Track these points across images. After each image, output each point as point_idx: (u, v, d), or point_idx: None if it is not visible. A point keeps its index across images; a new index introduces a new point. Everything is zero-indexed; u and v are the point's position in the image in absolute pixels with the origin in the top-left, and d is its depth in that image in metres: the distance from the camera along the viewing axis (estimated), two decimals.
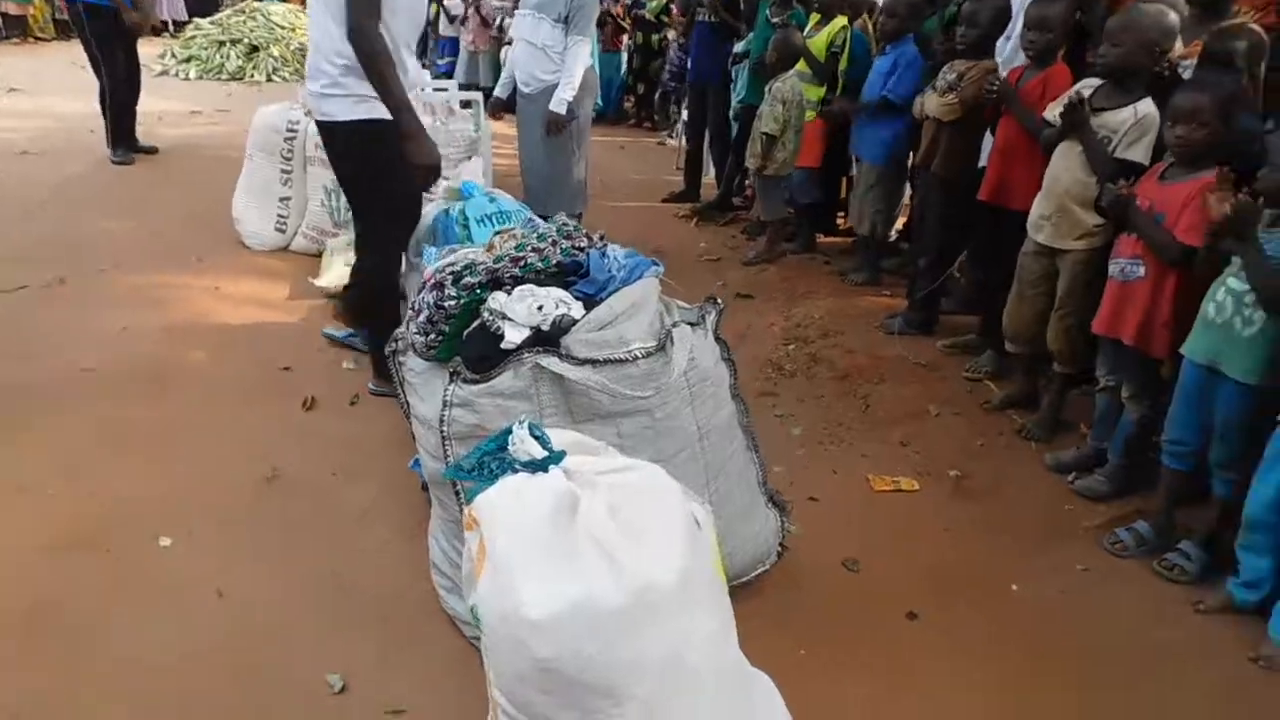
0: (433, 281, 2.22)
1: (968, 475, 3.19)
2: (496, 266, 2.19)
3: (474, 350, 2.15)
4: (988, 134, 3.85)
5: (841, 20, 5.18)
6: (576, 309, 2.19)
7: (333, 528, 2.74)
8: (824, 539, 2.77)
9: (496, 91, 5.01)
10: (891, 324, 4.29)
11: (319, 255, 4.78)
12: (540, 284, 2.24)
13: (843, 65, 5.16)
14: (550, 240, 2.29)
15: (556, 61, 4.51)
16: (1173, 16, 3.01)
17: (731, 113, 6.21)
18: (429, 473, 2.33)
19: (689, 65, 6.62)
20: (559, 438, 1.87)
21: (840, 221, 6.11)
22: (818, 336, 4.29)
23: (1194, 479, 2.74)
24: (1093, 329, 3.01)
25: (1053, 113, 3.26)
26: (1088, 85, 3.17)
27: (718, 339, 2.41)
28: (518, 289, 2.18)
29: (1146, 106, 2.98)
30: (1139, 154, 2.98)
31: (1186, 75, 3.12)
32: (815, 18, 5.36)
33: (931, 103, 3.96)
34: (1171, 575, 2.66)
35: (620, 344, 2.13)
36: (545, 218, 4.72)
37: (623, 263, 2.34)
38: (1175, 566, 2.67)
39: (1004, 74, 3.67)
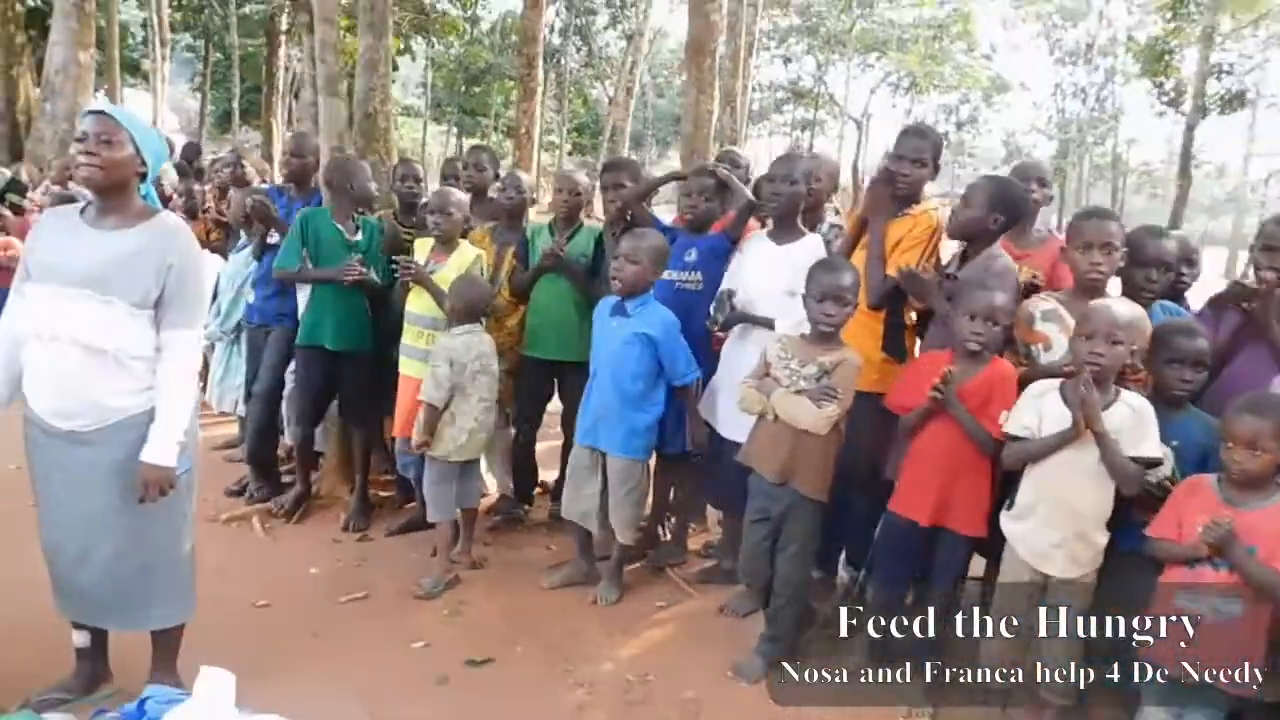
0: None
1: None
2: None
3: None
4: None
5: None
6: None
7: None
8: None
9: None
10: (750, 668, 3.27)
11: None
12: None
13: None
14: None
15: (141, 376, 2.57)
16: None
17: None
18: None
19: (251, 301, 4.67)
20: None
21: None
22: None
23: None
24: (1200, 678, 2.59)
25: (1011, 421, 2.83)
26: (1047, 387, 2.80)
27: None
28: None
29: (1136, 399, 2.75)
30: (1152, 448, 2.72)
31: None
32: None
33: (801, 412, 3.06)
34: None
35: None
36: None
37: None
38: None
39: None
